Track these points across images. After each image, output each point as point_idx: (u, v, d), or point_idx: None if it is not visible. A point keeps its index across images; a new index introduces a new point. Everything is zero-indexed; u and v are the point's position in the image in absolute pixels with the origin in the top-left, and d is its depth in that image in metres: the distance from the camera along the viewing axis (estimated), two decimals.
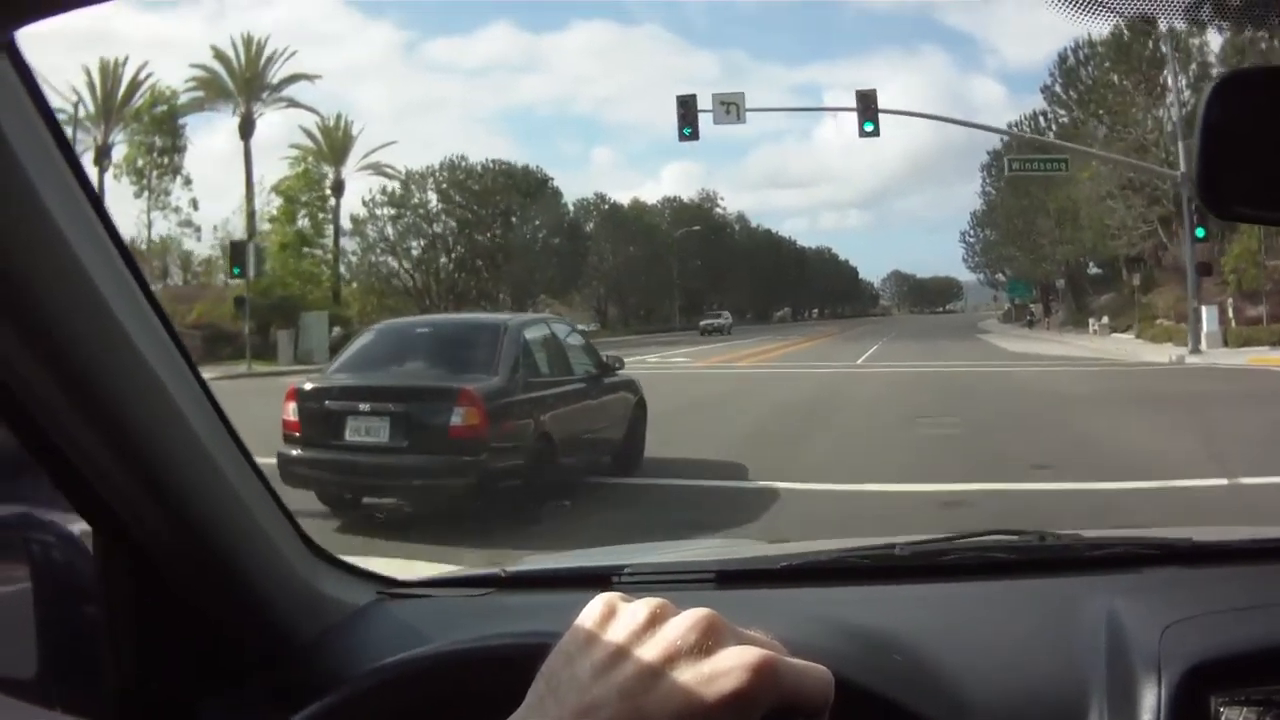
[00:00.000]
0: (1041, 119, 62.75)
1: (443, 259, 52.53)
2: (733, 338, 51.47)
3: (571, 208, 77.36)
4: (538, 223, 56.05)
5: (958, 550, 1.44)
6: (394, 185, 52.37)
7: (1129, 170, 38.36)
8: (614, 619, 0.61)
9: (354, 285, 49.61)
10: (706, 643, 0.58)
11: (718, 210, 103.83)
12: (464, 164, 54.39)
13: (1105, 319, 41.60)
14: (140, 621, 1.07)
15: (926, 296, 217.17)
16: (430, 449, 7.49)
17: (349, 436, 7.61)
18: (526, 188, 55.40)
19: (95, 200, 0.87)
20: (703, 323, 60.88)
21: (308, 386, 8.10)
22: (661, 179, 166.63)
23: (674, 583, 1.37)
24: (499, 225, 54.15)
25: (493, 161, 55.85)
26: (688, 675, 0.57)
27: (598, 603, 0.63)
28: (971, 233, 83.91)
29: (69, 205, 0.83)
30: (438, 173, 53.78)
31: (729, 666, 0.58)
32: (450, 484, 7.58)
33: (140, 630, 1.07)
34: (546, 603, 1.35)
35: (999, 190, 69.88)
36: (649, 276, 78.48)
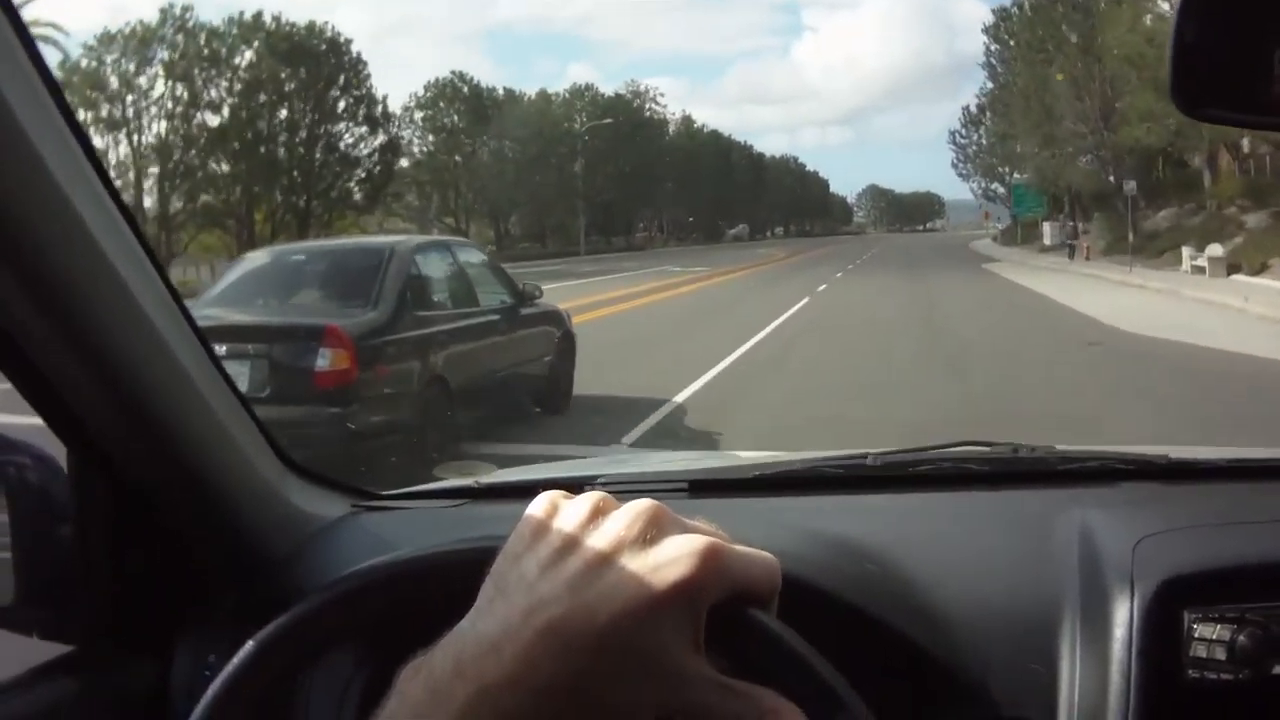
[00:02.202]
0: None
1: (136, 157, 33.67)
2: (624, 265, 31.75)
3: (422, 91, 58.62)
4: (310, 106, 36.84)
5: (930, 460, 1.44)
6: (81, 57, 33.73)
7: None
8: (556, 516, 0.60)
9: None
10: (650, 532, 0.57)
11: (652, 109, 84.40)
12: (193, 18, 35.34)
13: (1218, 249, 23.65)
14: (114, 542, 1.08)
15: (905, 213, 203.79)
16: (293, 398, 6.06)
17: None
18: (293, 55, 36.10)
19: (80, 134, 0.89)
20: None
21: None
22: None
23: (647, 492, 1.31)
24: (241, 106, 35.10)
25: (250, 16, 36.70)
26: (634, 564, 0.56)
27: (540, 501, 0.62)
28: (963, 132, 65.58)
29: (54, 138, 0.85)
30: (149, 32, 34.73)
31: (675, 555, 0.56)
32: (317, 439, 5.76)
33: (114, 551, 1.08)
34: (520, 512, 1.34)
35: (1007, 62, 51.19)
36: (547, 185, 59.35)
